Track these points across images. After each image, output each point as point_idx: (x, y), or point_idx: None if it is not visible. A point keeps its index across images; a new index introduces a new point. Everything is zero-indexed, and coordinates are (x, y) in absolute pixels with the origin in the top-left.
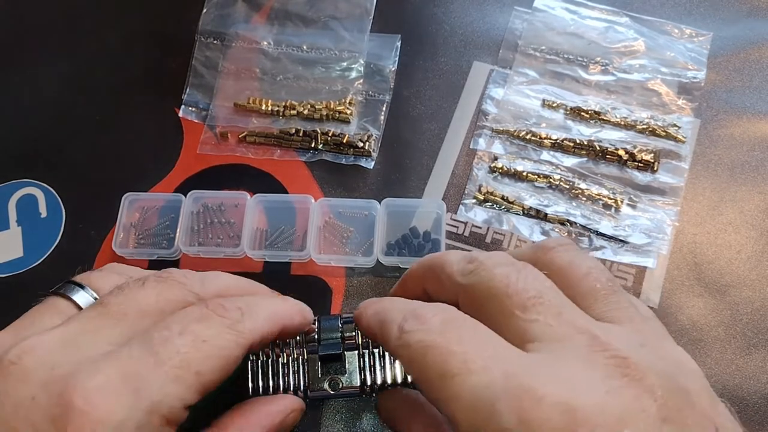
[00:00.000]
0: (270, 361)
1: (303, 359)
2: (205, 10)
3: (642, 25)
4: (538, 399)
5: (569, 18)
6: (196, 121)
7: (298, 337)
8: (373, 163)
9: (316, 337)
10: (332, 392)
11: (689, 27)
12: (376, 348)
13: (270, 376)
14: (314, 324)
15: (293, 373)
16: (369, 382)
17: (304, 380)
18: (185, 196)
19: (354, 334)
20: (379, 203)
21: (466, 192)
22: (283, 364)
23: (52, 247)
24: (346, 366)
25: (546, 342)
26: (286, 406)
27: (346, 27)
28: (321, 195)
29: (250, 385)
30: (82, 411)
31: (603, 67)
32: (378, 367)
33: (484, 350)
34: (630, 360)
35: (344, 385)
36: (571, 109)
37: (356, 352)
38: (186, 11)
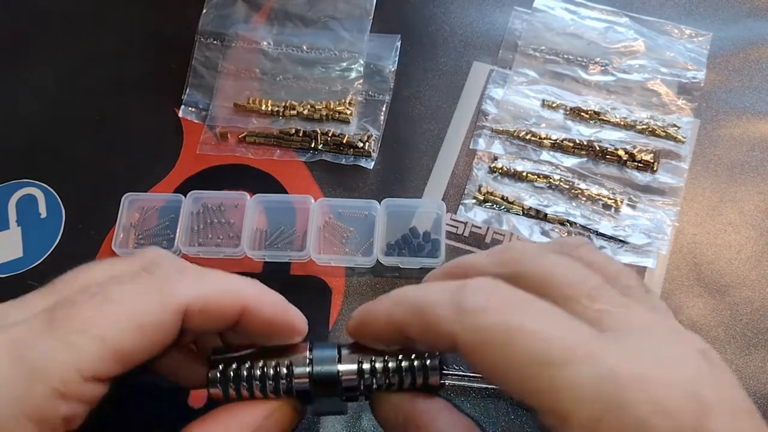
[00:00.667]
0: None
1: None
2: (204, 11)
3: (642, 25)
4: (668, 385)
5: (569, 18)
6: (195, 121)
7: (284, 369)
8: (372, 163)
9: (308, 371)
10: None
11: (689, 27)
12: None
13: (250, 380)
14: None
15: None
16: (364, 391)
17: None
18: (185, 196)
19: (355, 368)
20: (379, 203)
21: (465, 192)
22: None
23: (52, 248)
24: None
25: (625, 331)
26: (269, 407)
27: (345, 27)
28: (321, 195)
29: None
30: None
31: (603, 68)
32: (375, 378)
33: (579, 335)
34: (711, 351)
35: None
36: (570, 109)
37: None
38: (186, 11)
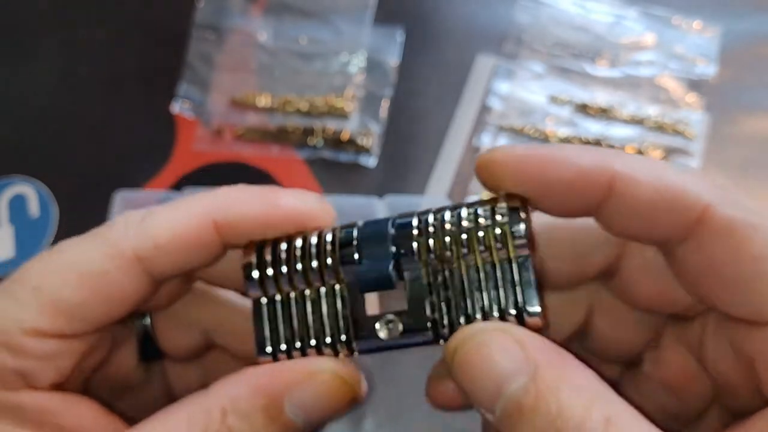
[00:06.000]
0: (286, 302)
1: (339, 292)
2: (202, 4)
3: (650, 19)
4: None
5: (576, 11)
6: (190, 117)
7: (329, 260)
8: (374, 159)
9: (355, 253)
10: (388, 340)
11: (699, 21)
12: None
13: (287, 326)
14: (344, 229)
15: (323, 316)
16: (447, 321)
17: (343, 326)
18: (180, 193)
19: (417, 243)
20: (381, 200)
21: (470, 190)
22: (313, 301)
23: (44, 248)
24: (407, 293)
25: None
26: (304, 366)
27: (345, 20)
28: (320, 192)
29: (262, 344)
30: None
31: (610, 62)
32: (459, 291)
33: None
34: None
35: (406, 328)
36: (577, 105)
37: (420, 270)
38: (181, 3)
